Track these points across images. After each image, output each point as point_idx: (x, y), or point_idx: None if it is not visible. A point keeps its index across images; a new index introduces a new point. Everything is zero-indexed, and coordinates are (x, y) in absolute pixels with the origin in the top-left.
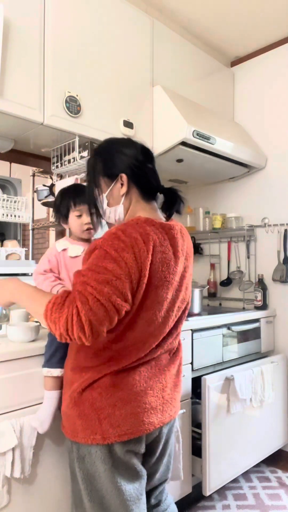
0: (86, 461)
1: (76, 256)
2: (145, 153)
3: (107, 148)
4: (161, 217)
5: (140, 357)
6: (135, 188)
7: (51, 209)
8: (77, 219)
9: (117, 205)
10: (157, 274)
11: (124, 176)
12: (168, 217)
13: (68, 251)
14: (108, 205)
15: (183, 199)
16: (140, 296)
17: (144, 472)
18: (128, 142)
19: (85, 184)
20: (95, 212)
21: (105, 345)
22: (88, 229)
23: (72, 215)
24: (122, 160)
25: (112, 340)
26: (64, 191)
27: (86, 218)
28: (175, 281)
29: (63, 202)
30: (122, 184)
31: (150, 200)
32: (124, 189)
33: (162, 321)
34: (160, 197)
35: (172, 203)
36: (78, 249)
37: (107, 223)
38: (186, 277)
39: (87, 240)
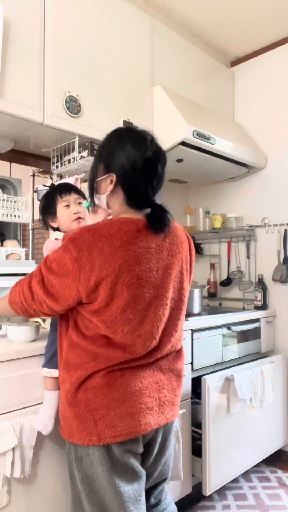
0: (84, 462)
1: None
2: (148, 164)
3: (120, 137)
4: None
5: (132, 358)
6: (121, 192)
7: None
8: (66, 210)
9: (102, 194)
10: (125, 272)
11: (114, 178)
12: (154, 232)
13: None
14: (96, 190)
15: (168, 220)
16: (108, 296)
17: (143, 472)
18: (140, 143)
19: (67, 181)
20: (90, 192)
21: (91, 343)
22: (78, 218)
23: (60, 207)
24: (120, 160)
25: (98, 339)
26: (46, 192)
27: (74, 208)
28: (153, 278)
29: (48, 200)
30: (111, 181)
31: (135, 208)
32: (110, 188)
33: (142, 319)
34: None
35: (156, 220)
36: None
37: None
38: (172, 274)
39: None
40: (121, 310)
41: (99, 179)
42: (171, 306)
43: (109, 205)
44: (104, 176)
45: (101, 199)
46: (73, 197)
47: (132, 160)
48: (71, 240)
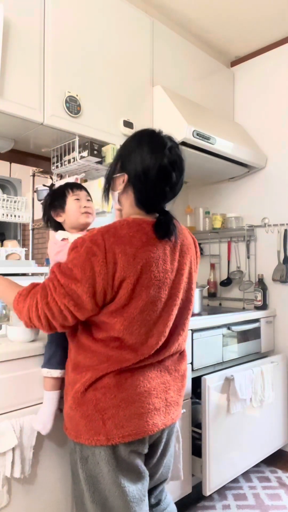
0: (89, 462)
1: None
2: (164, 172)
3: (140, 139)
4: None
5: (142, 358)
6: (131, 193)
7: None
8: (76, 202)
9: (115, 191)
10: (145, 274)
11: (126, 177)
12: (158, 238)
13: (70, 241)
14: (111, 188)
15: (174, 227)
16: (129, 298)
17: (146, 472)
18: (159, 149)
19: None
20: (105, 183)
21: (103, 346)
22: (86, 212)
23: (71, 200)
24: (135, 162)
25: (109, 341)
26: (55, 189)
27: (84, 202)
28: (168, 279)
29: (57, 195)
30: (123, 181)
31: (144, 211)
32: (122, 186)
33: (156, 320)
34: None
35: (161, 227)
36: None
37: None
38: (184, 275)
39: (84, 231)
40: (139, 311)
41: (115, 176)
42: (180, 306)
43: (120, 203)
44: (118, 174)
45: (114, 196)
46: (83, 193)
47: (146, 166)
48: (94, 242)
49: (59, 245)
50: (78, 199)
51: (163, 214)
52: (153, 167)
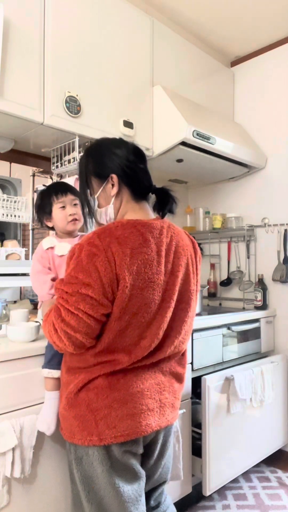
0: (83, 462)
1: (63, 255)
2: (136, 153)
3: (98, 148)
4: (151, 216)
5: (135, 360)
6: (126, 188)
7: None
8: (62, 211)
9: (108, 205)
10: (140, 275)
11: (114, 177)
12: (162, 217)
13: (55, 249)
14: (98, 206)
15: (175, 198)
16: (125, 299)
17: (142, 473)
18: (119, 142)
19: (66, 181)
20: (88, 212)
21: (96, 349)
22: (73, 220)
23: (56, 208)
24: (113, 160)
25: (103, 345)
26: (43, 191)
27: (70, 209)
28: (162, 281)
29: (45, 200)
30: (113, 185)
31: (141, 200)
32: (115, 189)
33: (150, 322)
34: (152, 197)
35: (164, 203)
36: (65, 248)
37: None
38: (179, 277)
39: (73, 235)
40: (133, 313)
41: (99, 191)
42: (175, 308)
43: (115, 209)
44: (102, 186)
45: (108, 210)
46: (69, 198)
47: (124, 155)
48: (92, 244)
49: (39, 254)
50: (63, 207)
51: (160, 191)
52: (129, 152)
